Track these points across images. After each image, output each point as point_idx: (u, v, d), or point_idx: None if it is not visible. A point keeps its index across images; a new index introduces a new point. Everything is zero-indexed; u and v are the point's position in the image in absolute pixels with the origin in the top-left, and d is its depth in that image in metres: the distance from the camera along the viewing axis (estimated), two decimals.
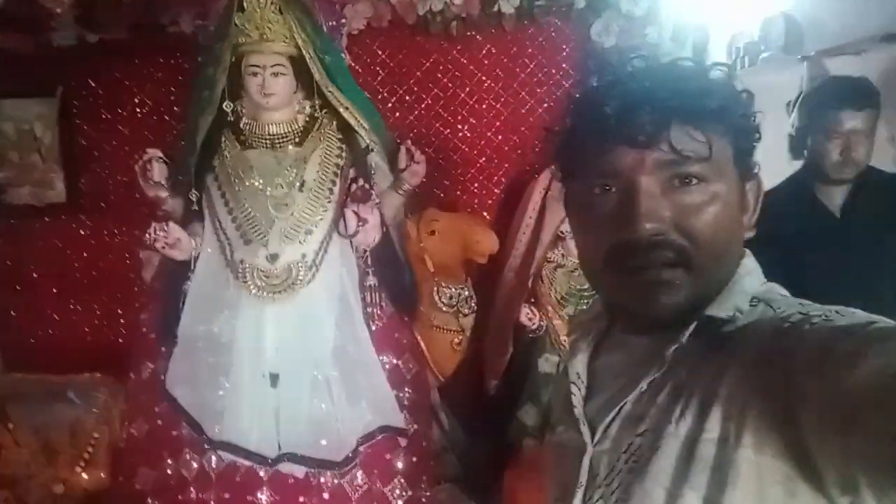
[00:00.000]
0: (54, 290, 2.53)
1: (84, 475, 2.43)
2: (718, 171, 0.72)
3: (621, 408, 0.76)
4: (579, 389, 0.84)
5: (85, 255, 2.52)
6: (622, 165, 0.72)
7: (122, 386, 2.34)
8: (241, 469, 1.85)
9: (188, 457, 1.89)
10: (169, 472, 1.90)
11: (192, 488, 1.87)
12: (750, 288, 0.75)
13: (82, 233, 2.51)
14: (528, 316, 2.12)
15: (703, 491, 0.67)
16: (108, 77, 2.43)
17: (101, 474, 2.42)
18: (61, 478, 2.42)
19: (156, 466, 1.92)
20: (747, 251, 0.78)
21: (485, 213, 2.45)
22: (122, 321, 2.53)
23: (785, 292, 0.77)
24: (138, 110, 2.45)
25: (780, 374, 0.63)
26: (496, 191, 2.49)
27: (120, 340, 2.52)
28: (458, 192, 2.47)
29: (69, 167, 2.46)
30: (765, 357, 0.66)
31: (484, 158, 2.48)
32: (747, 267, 0.77)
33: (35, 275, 2.53)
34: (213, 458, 1.86)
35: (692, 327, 0.72)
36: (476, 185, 2.49)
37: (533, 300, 2.15)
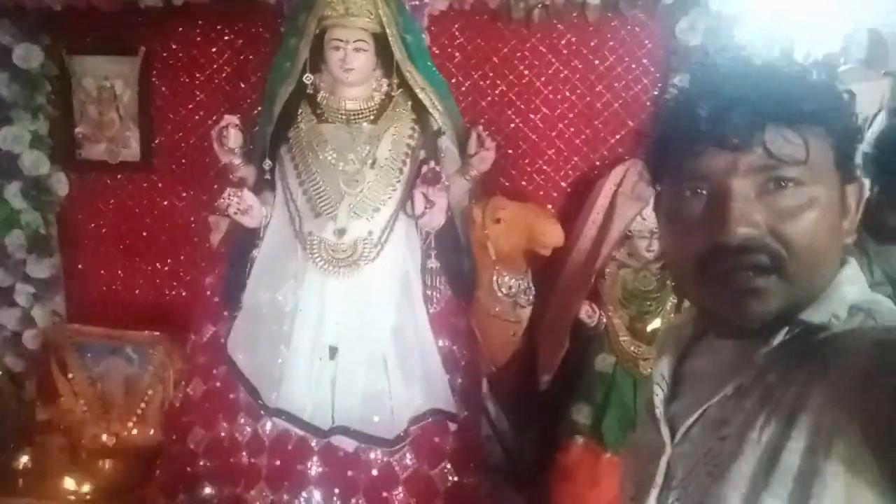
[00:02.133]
0: (121, 247, 2.59)
1: (135, 430, 2.50)
2: (816, 174, 0.70)
3: (705, 411, 0.75)
4: (662, 391, 0.83)
5: (153, 214, 2.56)
6: (714, 168, 0.71)
7: (178, 346, 2.39)
8: (293, 438, 1.88)
9: (242, 421, 1.93)
10: (222, 434, 1.94)
11: (244, 452, 1.91)
12: (850, 296, 0.73)
13: (152, 192, 2.56)
14: (587, 313, 2.10)
15: (783, 500, 0.65)
16: (189, 40, 2.46)
17: (152, 431, 2.48)
18: (113, 430, 2.49)
19: (210, 428, 1.96)
20: (851, 259, 0.76)
21: (550, 206, 2.41)
22: (184, 283, 2.57)
23: (893, 306, 0.74)
24: (216, 76, 2.47)
25: (886, 395, 0.60)
26: (563, 184, 2.45)
27: (180, 301, 2.56)
28: (525, 183, 2.44)
29: (144, 127, 2.50)
30: (866, 372, 0.63)
31: (554, 150, 2.44)
32: (847, 274, 0.74)
33: (104, 230, 2.59)
34: (268, 424, 1.90)
35: (784, 332, 0.70)
36: (543, 176, 2.45)
37: (594, 298, 2.12)
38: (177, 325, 2.38)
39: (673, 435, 0.78)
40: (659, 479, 0.78)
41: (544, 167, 2.46)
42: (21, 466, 2.35)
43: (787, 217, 0.70)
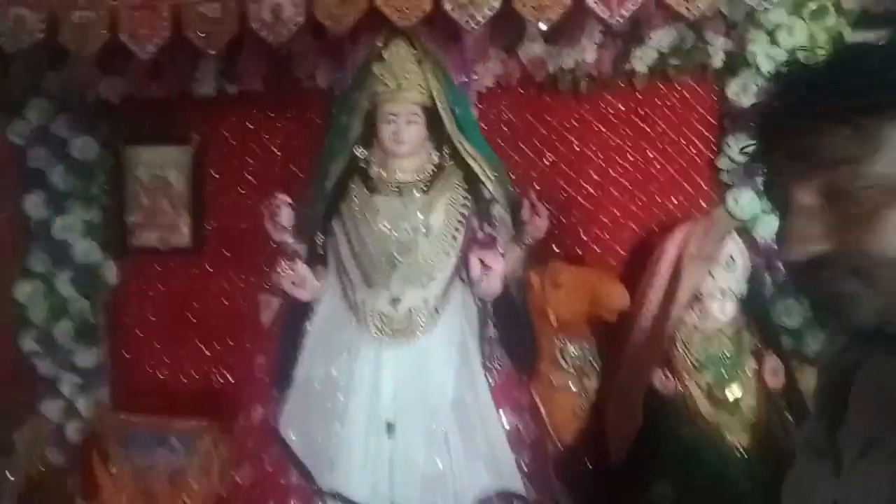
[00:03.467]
0: (168, 333, 2.55)
1: None
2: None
3: (872, 442, 0.67)
4: (823, 422, 0.75)
5: (203, 299, 2.54)
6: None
7: (225, 434, 2.30)
8: None
9: None
10: None
11: None
12: None
13: (201, 277, 2.54)
14: (661, 382, 1.95)
15: None
16: (241, 127, 2.51)
17: None
18: None
19: None
20: None
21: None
22: (232, 368, 2.50)
23: None
24: (268, 161, 2.51)
25: None
26: (620, 250, 2.37)
27: (228, 387, 2.48)
28: (579, 251, 2.37)
29: (196, 213, 2.53)
30: None
31: (608, 217, 2.38)
32: None
33: (152, 317, 2.56)
34: None
35: None
36: (599, 244, 2.37)
37: (668, 365, 1.98)
38: (224, 412, 2.29)
39: (839, 469, 0.70)
40: None
41: (599, 234, 2.39)
42: None
43: (863, 222, 0.63)
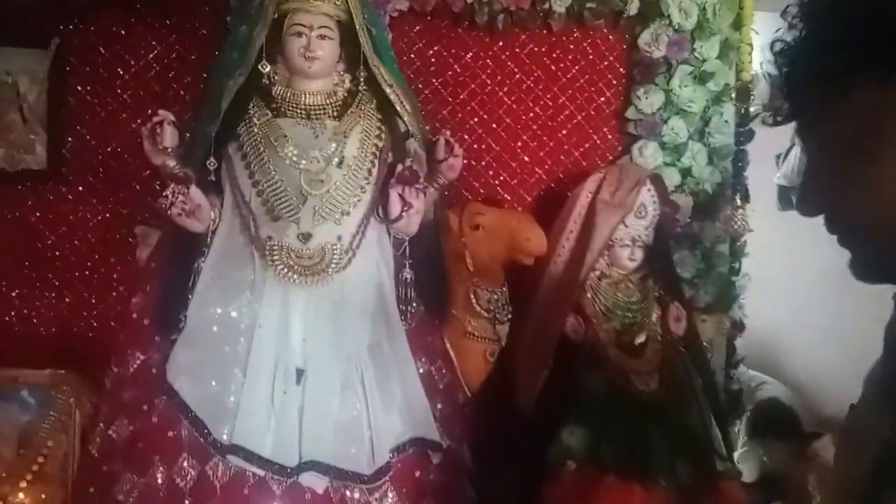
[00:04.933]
0: (18, 270, 2.19)
1: (29, 492, 2.05)
2: None
3: None
4: (891, 364, 0.70)
5: (60, 231, 2.19)
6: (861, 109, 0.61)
7: (89, 386, 2.02)
8: (249, 480, 1.56)
9: (186, 463, 1.58)
10: (160, 480, 1.58)
11: (188, 501, 1.56)
12: None
13: (60, 205, 2.19)
14: (573, 327, 1.95)
15: None
16: (113, 34, 2.16)
17: (51, 490, 2.05)
18: (2, 494, 2.03)
19: (142, 474, 1.60)
20: None
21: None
22: (97, 311, 2.20)
23: None
24: (143, 74, 2.18)
25: None
26: (528, 197, 2.33)
27: (92, 333, 2.18)
28: (488, 195, 2.30)
29: (54, 130, 2.15)
30: None
31: (517, 163, 2.33)
32: None
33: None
34: (219, 465, 1.57)
35: None
36: (508, 189, 2.32)
37: (578, 311, 1.98)
38: (88, 362, 2.02)
39: None
40: (876, 465, 0.63)
41: (508, 179, 2.33)
42: None
43: None
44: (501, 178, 2.33)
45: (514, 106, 2.32)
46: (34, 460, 2.06)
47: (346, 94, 1.81)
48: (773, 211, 3.45)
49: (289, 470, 1.55)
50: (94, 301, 2.21)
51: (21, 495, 2.04)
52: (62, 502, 2.00)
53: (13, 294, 2.19)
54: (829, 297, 2.90)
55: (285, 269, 1.65)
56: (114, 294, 2.18)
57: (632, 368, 1.91)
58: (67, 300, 2.20)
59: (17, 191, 2.18)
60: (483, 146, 2.31)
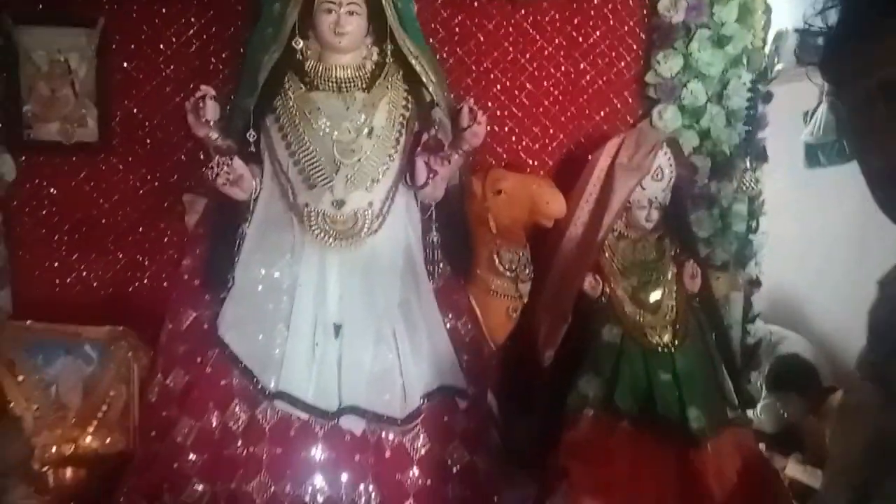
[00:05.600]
0: (77, 236, 2.36)
1: (96, 436, 2.26)
2: None
3: None
4: (878, 349, 0.71)
5: (113, 199, 2.35)
6: None
7: (144, 341, 2.20)
8: (295, 423, 1.74)
9: (237, 409, 1.77)
10: (214, 424, 1.77)
11: (240, 442, 1.75)
12: None
13: (112, 175, 2.35)
14: (591, 285, 2.06)
15: None
16: (154, 12, 2.28)
17: (116, 437, 2.25)
18: (71, 437, 2.24)
19: (199, 418, 1.78)
20: None
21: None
22: (149, 272, 2.37)
23: None
24: (183, 49, 2.31)
25: None
26: (550, 161, 2.42)
27: (145, 293, 2.36)
28: (512, 160, 2.40)
29: (103, 105, 2.30)
30: None
31: (539, 127, 2.42)
32: None
33: (57, 218, 2.36)
34: (267, 410, 1.74)
35: None
36: (529, 153, 2.41)
37: (596, 270, 2.09)
38: (143, 319, 2.19)
39: (892, 393, 0.66)
40: (869, 444, 0.65)
41: (530, 144, 2.42)
42: None
43: None
44: (524, 143, 2.42)
45: (536, 73, 2.39)
46: (98, 408, 2.26)
47: (374, 67, 1.91)
48: (799, 169, 3.48)
49: (330, 414, 1.71)
50: (146, 263, 2.38)
51: (89, 439, 2.24)
52: (125, 445, 2.19)
53: (73, 257, 2.37)
54: (853, 253, 2.94)
55: (321, 234, 1.79)
56: (164, 257, 2.34)
57: (647, 323, 2.03)
58: (122, 263, 2.38)
59: (72, 162, 2.34)
60: (506, 113, 2.40)
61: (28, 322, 2.28)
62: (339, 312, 1.77)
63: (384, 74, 1.92)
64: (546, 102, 2.41)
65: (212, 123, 1.80)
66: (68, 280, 2.38)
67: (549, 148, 2.42)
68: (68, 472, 2.17)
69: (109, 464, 2.15)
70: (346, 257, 1.80)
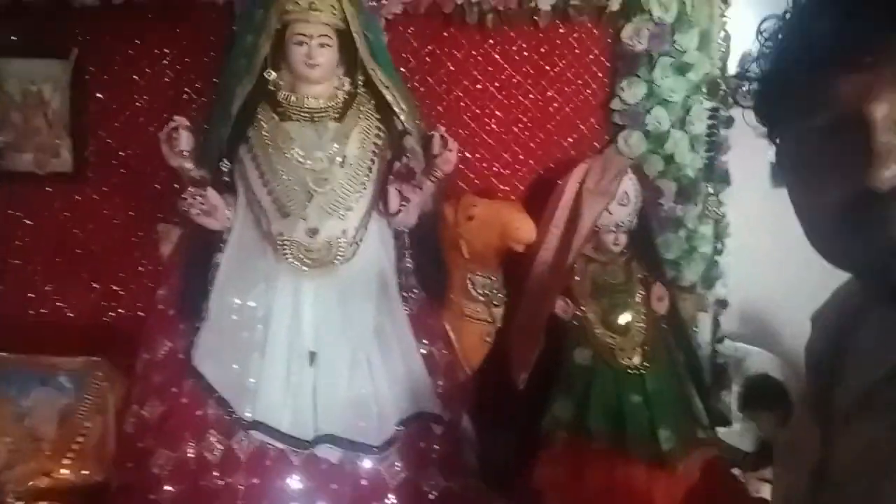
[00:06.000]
0: (51, 266, 2.36)
1: (71, 468, 2.25)
2: None
3: (870, 395, 0.62)
4: (819, 375, 0.71)
5: (88, 228, 2.36)
6: (843, 96, 0.57)
7: (120, 371, 2.20)
8: (271, 452, 1.75)
9: (213, 439, 1.78)
10: (190, 454, 1.78)
11: (216, 472, 1.75)
12: None
13: (86, 205, 2.36)
14: (562, 308, 2.11)
15: None
16: (127, 43, 2.31)
17: (91, 469, 2.24)
18: (46, 470, 2.23)
19: (175, 449, 1.79)
20: None
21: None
22: (124, 302, 2.37)
23: None
24: (157, 79, 2.33)
25: None
26: (521, 187, 2.47)
27: (121, 323, 2.36)
28: (483, 186, 2.44)
29: (77, 135, 2.32)
30: None
31: (509, 153, 2.47)
32: None
33: (31, 248, 2.36)
34: (243, 440, 1.75)
35: None
36: (500, 179, 2.46)
37: (567, 293, 2.13)
38: (118, 349, 2.19)
39: (831, 427, 0.65)
40: (814, 478, 0.65)
41: (501, 170, 2.48)
42: None
43: None
44: (495, 169, 2.47)
45: (505, 100, 2.45)
46: (74, 439, 2.25)
47: (346, 97, 1.96)
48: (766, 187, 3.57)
49: (306, 443, 1.73)
50: (122, 293, 2.38)
51: (64, 471, 2.23)
52: (102, 476, 2.17)
53: (47, 288, 2.37)
54: (823, 271, 3.01)
55: (296, 262, 1.82)
56: (140, 286, 2.35)
57: (617, 345, 2.07)
58: (98, 292, 2.38)
59: (46, 192, 2.35)
60: (477, 140, 2.45)
61: (2, 353, 2.28)
62: (314, 340, 1.79)
63: (356, 104, 1.96)
64: (515, 129, 2.47)
65: (186, 153, 1.82)
66: (43, 310, 2.38)
67: (520, 173, 2.47)
68: None
69: (86, 496, 2.14)
70: (321, 284, 1.83)
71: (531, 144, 2.48)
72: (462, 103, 2.44)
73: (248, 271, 1.85)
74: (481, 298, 2.13)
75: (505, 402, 2.19)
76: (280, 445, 1.73)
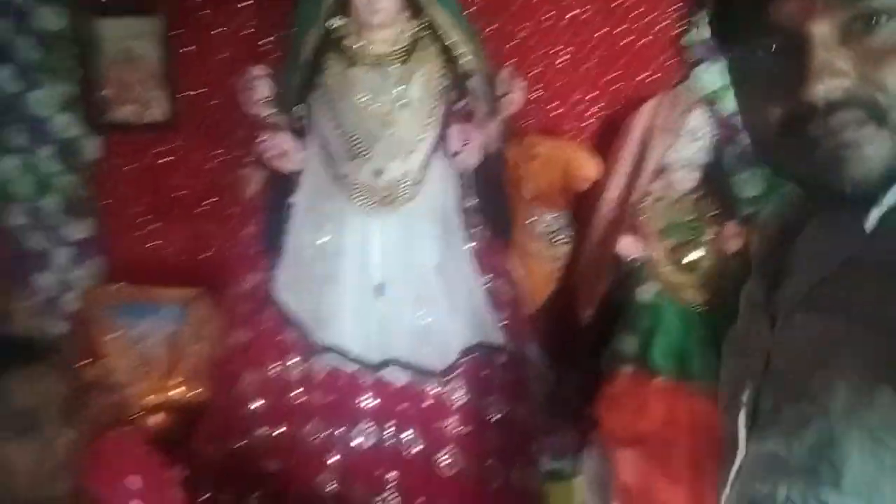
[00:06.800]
0: (153, 208, 2.60)
1: (179, 387, 2.52)
2: None
3: (810, 293, 0.66)
4: (763, 278, 0.74)
5: (182, 173, 2.57)
6: (787, 15, 0.60)
7: (216, 301, 2.42)
8: (344, 374, 1.90)
9: (292, 361, 1.95)
10: (273, 375, 1.96)
11: (295, 391, 1.93)
12: None
13: (179, 151, 2.56)
14: (629, 246, 2.12)
15: None
16: None
17: (197, 388, 2.50)
18: (158, 388, 2.51)
19: (259, 371, 1.98)
20: None
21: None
22: (216, 240, 2.58)
23: None
24: (239, 31, 2.47)
25: None
26: (588, 126, 2.45)
27: (215, 258, 2.56)
28: (554, 124, 2.45)
29: (170, 87, 2.51)
30: None
31: (579, 92, 2.45)
32: None
33: (136, 191, 2.60)
34: (318, 362, 1.92)
35: None
36: (570, 118, 2.45)
37: (634, 231, 2.14)
38: (213, 281, 2.40)
39: (774, 324, 0.69)
40: (757, 372, 0.69)
41: (571, 109, 2.46)
42: None
43: (883, 58, 0.58)
44: (562, 109, 2.45)
45: (573, 37, 2.42)
46: (180, 362, 2.52)
47: (410, 40, 2.01)
48: None
49: (374, 366, 1.87)
50: (215, 232, 2.59)
51: (173, 390, 2.51)
52: (203, 395, 2.43)
53: (152, 228, 2.62)
54: None
55: (362, 202, 1.93)
56: (229, 226, 2.54)
57: (684, 283, 2.07)
58: (194, 232, 2.60)
59: (145, 141, 2.57)
60: (545, 78, 2.44)
61: (118, 285, 2.56)
62: (381, 274, 1.91)
63: (420, 47, 2.01)
64: (585, 67, 2.44)
65: (263, 101, 1.96)
66: (149, 247, 2.63)
67: (588, 113, 2.45)
68: (156, 418, 2.44)
69: (191, 411, 2.40)
70: (386, 222, 1.94)
71: (601, 82, 2.44)
72: (531, 42, 2.43)
73: (320, 211, 1.98)
74: (544, 237, 2.17)
75: (570, 338, 2.25)
76: (350, 368, 1.88)
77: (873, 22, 0.58)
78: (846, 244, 0.63)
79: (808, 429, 0.61)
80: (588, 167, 2.08)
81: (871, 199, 0.61)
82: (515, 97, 2.00)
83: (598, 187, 2.21)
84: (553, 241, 2.18)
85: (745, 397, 0.70)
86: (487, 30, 2.39)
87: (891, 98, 0.59)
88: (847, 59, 0.59)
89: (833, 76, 0.59)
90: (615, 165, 2.22)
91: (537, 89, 2.42)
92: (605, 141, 2.33)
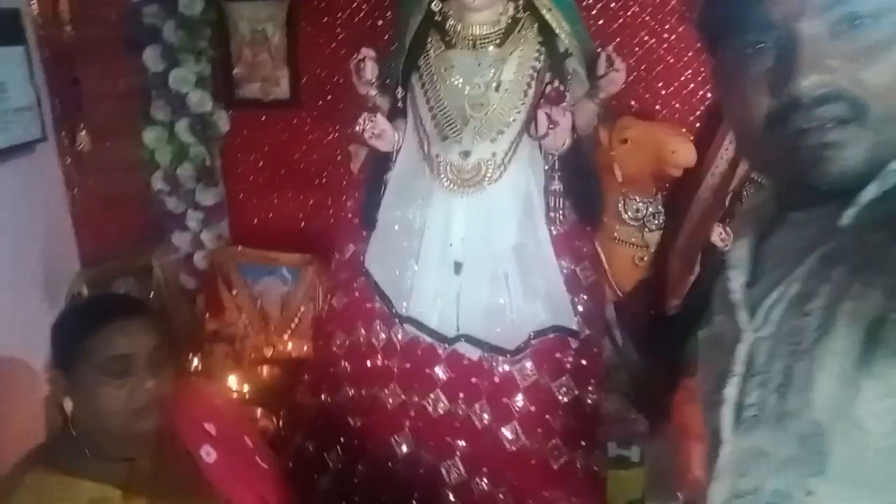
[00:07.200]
0: (274, 178, 2.85)
1: (290, 342, 2.77)
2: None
3: (787, 288, 0.69)
4: (740, 275, 0.78)
5: (301, 148, 2.79)
6: (776, 14, 0.63)
7: (325, 266, 2.62)
8: (422, 344, 2.01)
9: (378, 328, 2.09)
10: (361, 339, 2.11)
11: (379, 355, 2.07)
12: None
13: (300, 127, 2.78)
14: (720, 237, 2.03)
15: (883, 380, 0.58)
16: None
17: (305, 344, 2.73)
18: (271, 342, 2.78)
19: (350, 333, 2.14)
20: None
21: (685, 129, 2.32)
22: (329, 210, 2.79)
23: None
24: (354, 14, 2.62)
25: None
26: (692, 110, 2.36)
27: (327, 227, 2.78)
28: (659, 106, 2.38)
29: (293, 67, 2.72)
30: None
31: (690, 72, 2.35)
32: None
33: (260, 163, 2.86)
34: (400, 331, 2.04)
35: (874, 186, 0.63)
36: (678, 99, 2.37)
37: (728, 220, 2.05)
38: (324, 248, 2.60)
39: (753, 320, 0.72)
40: (738, 368, 0.72)
41: (680, 90, 2.37)
42: (192, 368, 2.68)
43: (867, 58, 0.61)
44: (673, 87, 2.38)
45: (687, 14, 2.32)
46: (292, 320, 2.77)
47: (509, 22, 2.03)
48: None
49: (448, 339, 1.96)
50: (329, 203, 2.80)
51: (284, 346, 2.77)
52: (308, 352, 2.66)
53: (274, 196, 2.88)
54: None
55: (449, 182, 2.00)
56: (340, 198, 2.73)
57: None
58: (311, 202, 2.83)
59: (270, 116, 2.81)
60: (654, 58, 2.37)
61: (240, 247, 2.84)
62: (461, 252, 1.98)
63: (518, 29, 2.02)
64: (698, 45, 2.32)
65: (371, 82, 2.08)
66: (270, 215, 2.89)
67: (700, 93, 2.35)
68: (267, 369, 2.71)
69: (298, 364, 2.64)
70: (470, 203, 1.99)
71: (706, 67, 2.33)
72: (639, 20, 2.37)
73: (409, 189, 2.08)
74: (633, 223, 2.14)
75: (654, 327, 2.21)
76: (428, 339, 1.98)
77: (858, 24, 0.62)
78: (822, 240, 0.66)
79: (793, 422, 0.65)
80: (681, 152, 2.01)
81: (847, 196, 0.64)
82: (615, 77, 1.96)
83: (698, 172, 2.13)
84: (644, 227, 2.14)
85: (726, 393, 0.72)
86: (596, 7, 2.37)
87: (873, 96, 0.62)
88: (833, 58, 0.62)
89: (820, 73, 0.62)
90: (718, 151, 2.13)
91: (642, 69, 2.36)
92: (712, 126, 2.24)
